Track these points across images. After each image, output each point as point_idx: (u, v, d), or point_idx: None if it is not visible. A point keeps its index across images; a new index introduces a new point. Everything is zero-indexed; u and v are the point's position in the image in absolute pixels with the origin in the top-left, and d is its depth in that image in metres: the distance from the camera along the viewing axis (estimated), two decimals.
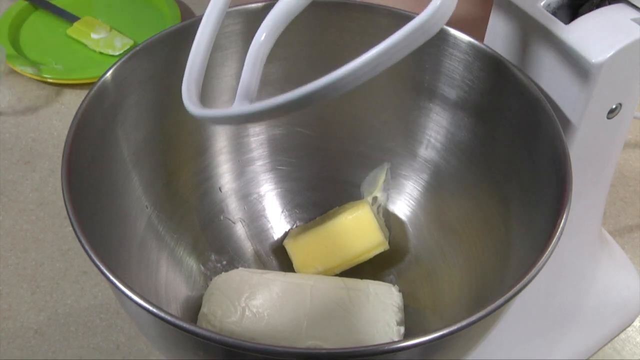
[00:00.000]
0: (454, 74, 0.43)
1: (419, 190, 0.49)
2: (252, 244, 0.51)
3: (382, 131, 0.49)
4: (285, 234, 0.51)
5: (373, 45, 0.46)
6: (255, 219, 0.51)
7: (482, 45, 0.40)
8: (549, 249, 0.31)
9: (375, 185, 0.50)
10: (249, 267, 0.49)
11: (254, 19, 0.42)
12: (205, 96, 0.45)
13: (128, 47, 0.74)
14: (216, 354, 0.29)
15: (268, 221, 0.51)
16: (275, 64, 0.45)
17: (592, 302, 0.50)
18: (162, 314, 0.28)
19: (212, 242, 0.49)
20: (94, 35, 0.74)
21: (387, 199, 0.50)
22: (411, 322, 0.45)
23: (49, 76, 0.70)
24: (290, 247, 0.49)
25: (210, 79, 0.44)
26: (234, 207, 0.50)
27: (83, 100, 0.37)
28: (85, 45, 0.74)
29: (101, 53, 0.74)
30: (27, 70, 0.70)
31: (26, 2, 0.78)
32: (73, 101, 0.70)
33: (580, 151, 0.38)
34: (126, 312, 0.39)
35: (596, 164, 0.42)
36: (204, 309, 0.44)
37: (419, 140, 0.47)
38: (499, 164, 0.41)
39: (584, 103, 0.36)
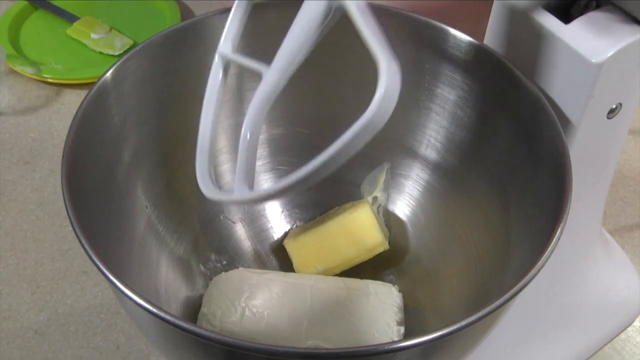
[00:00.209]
0: (454, 74, 0.43)
1: (419, 190, 0.49)
2: (252, 244, 0.51)
3: (382, 131, 0.48)
4: (285, 234, 0.51)
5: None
6: (255, 219, 0.51)
7: (482, 45, 0.40)
8: (549, 249, 0.31)
9: (375, 185, 0.50)
10: (249, 267, 0.49)
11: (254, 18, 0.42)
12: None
13: (128, 47, 0.74)
14: (216, 354, 0.29)
15: (268, 221, 0.51)
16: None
17: (592, 302, 0.50)
18: (162, 314, 0.28)
19: (212, 242, 0.49)
20: (93, 35, 0.74)
21: (387, 199, 0.50)
22: (411, 322, 0.45)
23: (49, 76, 0.70)
24: (290, 247, 0.49)
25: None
26: (234, 207, 0.50)
27: (83, 100, 0.37)
28: (85, 45, 0.74)
29: (101, 53, 0.74)
30: (27, 70, 0.70)
31: (26, 2, 0.78)
32: (73, 101, 0.70)
33: (580, 151, 0.38)
34: (126, 312, 0.39)
35: (596, 164, 0.42)
36: (204, 309, 0.44)
37: (419, 140, 0.47)
38: (499, 164, 0.41)
39: (584, 103, 0.36)
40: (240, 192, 0.33)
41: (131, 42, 0.74)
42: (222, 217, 0.49)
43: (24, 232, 0.57)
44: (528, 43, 0.39)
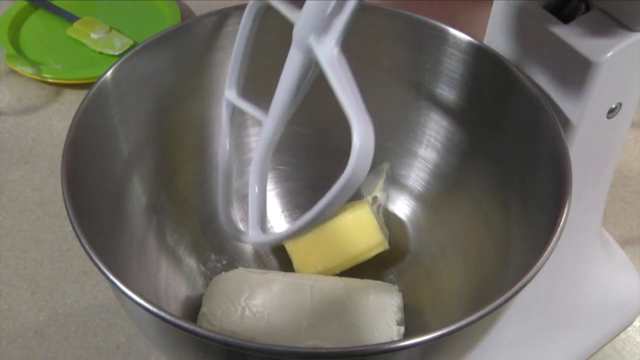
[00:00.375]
0: (454, 74, 0.43)
1: (419, 190, 0.49)
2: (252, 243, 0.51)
3: (382, 131, 0.48)
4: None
5: (372, 45, 0.46)
6: None
7: (482, 45, 0.40)
8: (549, 249, 0.31)
9: (375, 185, 0.50)
10: (249, 267, 0.49)
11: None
12: (206, 93, 0.45)
13: (128, 47, 0.74)
14: (216, 353, 0.29)
15: (268, 221, 0.51)
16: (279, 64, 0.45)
17: (592, 302, 0.50)
18: (162, 314, 0.28)
19: (212, 242, 0.49)
20: (93, 35, 0.74)
21: (387, 199, 0.50)
22: (411, 322, 0.45)
23: (49, 76, 0.70)
24: (290, 247, 0.49)
25: (210, 77, 0.44)
26: (233, 207, 0.50)
27: (83, 100, 0.37)
28: (85, 45, 0.74)
29: (101, 53, 0.74)
30: (27, 70, 0.70)
31: (26, 2, 0.78)
32: (73, 101, 0.70)
33: (580, 151, 0.38)
34: (126, 312, 0.39)
35: (596, 164, 0.42)
36: (204, 309, 0.44)
37: (419, 140, 0.47)
38: (499, 163, 0.41)
39: (584, 103, 0.36)
40: (254, 235, 0.37)
41: (131, 42, 0.74)
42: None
43: (24, 232, 0.57)
44: (528, 43, 0.39)
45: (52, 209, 0.59)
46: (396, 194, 0.50)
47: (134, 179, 0.42)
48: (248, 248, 0.50)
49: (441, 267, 0.46)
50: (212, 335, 0.27)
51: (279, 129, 0.35)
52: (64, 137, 0.35)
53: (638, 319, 0.53)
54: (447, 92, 0.44)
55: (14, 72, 0.71)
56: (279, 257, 0.50)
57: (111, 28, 0.75)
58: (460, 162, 0.45)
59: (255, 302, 0.44)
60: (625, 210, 0.60)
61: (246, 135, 0.49)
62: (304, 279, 0.46)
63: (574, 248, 0.45)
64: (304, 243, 0.49)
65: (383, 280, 0.47)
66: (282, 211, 0.52)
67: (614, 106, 0.38)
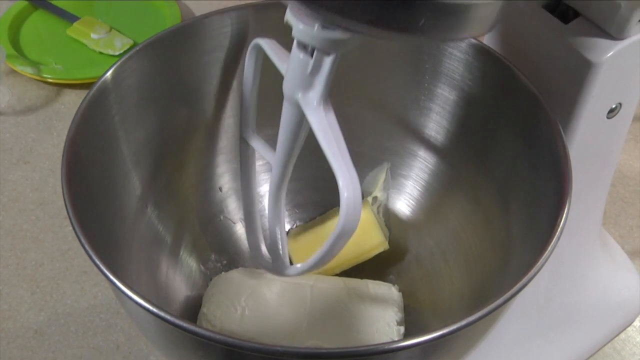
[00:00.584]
0: (454, 74, 0.43)
1: (419, 190, 0.49)
2: None
3: (382, 131, 0.49)
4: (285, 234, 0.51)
5: (372, 45, 0.46)
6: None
7: (482, 45, 0.40)
8: (549, 248, 0.31)
9: (375, 185, 0.50)
10: (249, 267, 0.49)
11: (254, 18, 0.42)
12: (206, 93, 0.45)
13: (128, 47, 0.74)
14: (216, 353, 0.29)
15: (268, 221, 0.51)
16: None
17: (592, 302, 0.50)
18: (162, 314, 0.28)
19: (212, 242, 0.49)
20: (94, 35, 0.74)
21: (387, 199, 0.50)
22: (411, 322, 0.45)
23: (49, 76, 0.70)
24: (290, 247, 0.49)
25: (210, 77, 0.44)
26: (234, 207, 0.50)
27: (83, 100, 0.37)
28: (85, 45, 0.74)
29: (101, 53, 0.74)
30: (27, 70, 0.70)
31: (26, 2, 0.78)
32: (73, 101, 0.70)
33: (580, 151, 0.38)
34: (126, 312, 0.39)
35: (596, 164, 0.42)
36: (204, 309, 0.44)
37: (419, 140, 0.47)
38: (499, 163, 0.41)
39: (584, 103, 0.36)
40: (275, 269, 0.41)
41: (131, 42, 0.74)
42: (222, 217, 0.49)
43: (24, 232, 0.57)
44: (528, 43, 0.39)
45: (52, 209, 0.59)
46: (396, 194, 0.50)
47: (134, 179, 0.42)
48: (248, 249, 0.50)
49: (441, 267, 0.46)
50: (212, 335, 0.27)
51: (286, 173, 0.37)
52: (64, 137, 0.35)
53: (638, 319, 0.53)
54: (447, 92, 0.44)
55: (14, 72, 0.71)
56: None
57: (111, 28, 0.75)
58: (460, 162, 0.45)
59: (255, 302, 0.44)
60: (625, 210, 0.60)
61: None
62: (304, 279, 0.46)
63: (574, 248, 0.45)
64: (304, 243, 0.49)
65: (383, 280, 0.47)
66: None
67: (614, 106, 0.38)
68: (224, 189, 0.49)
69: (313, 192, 0.51)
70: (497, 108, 0.41)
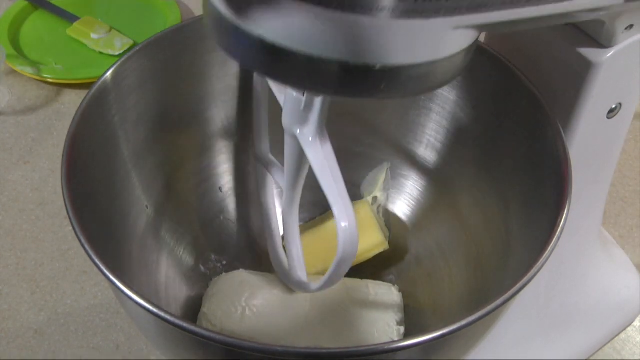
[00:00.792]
0: None
1: (419, 190, 0.49)
2: (252, 244, 0.50)
3: (382, 131, 0.49)
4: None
5: None
6: (255, 219, 0.51)
7: (482, 45, 0.40)
8: (549, 248, 0.31)
9: (375, 185, 0.50)
10: (248, 267, 0.49)
11: None
12: (206, 93, 0.45)
13: (128, 47, 0.74)
14: (216, 353, 0.29)
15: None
16: None
17: (592, 302, 0.50)
18: (162, 314, 0.28)
19: (212, 242, 0.49)
20: (94, 35, 0.74)
21: (387, 199, 0.50)
22: (411, 322, 0.45)
23: (49, 76, 0.70)
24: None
25: (210, 77, 0.44)
26: (234, 207, 0.50)
27: (83, 100, 0.37)
28: (85, 45, 0.74)
29: (101, 53, 0.74)
30: (27, 70, 0.70)
31: (26, 2, 0.78)
32: (73, 101, 0.70)
33: (580, 151, 0.38)
34: (126, 312, 0.39)
35: (596, 164, 0.42)
36: (204, 309, 0.44)
37: (419, 140, 0.47)
38: (499, 163, 0.41)
39: (584, 103, 0.36)
40: (297, 284, 0.43)
41: (131, 42, 0.74)
42: (222, 217, 0.49)
43: (24, 232, 0.57)
44: (528, 43, 0.39)
45: (52, 209, 0.59)
46: (396, 194, 0.50)
47: (134, 179, 0.42)
48: (248, 249, 0.50)
49: (441, 267, 0.46)
50: (212, 335, 0.27)
51: (294, 198, 0.39)
52: (64, 137, 0.35)
53: (638, 319, 0.53)
54: (447, 92, 0.44)
55: (14, 72, 0.71)
56: None
57: (111, 28, 0.75)
58: (460, 162, 0.45)
59: (256, 302, 0.44)
60: (625, 210, 0.60)
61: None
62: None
63: (574, 248, 0.45)
64: (305, 243, 0.48)
65: (383, 280, 0.47)
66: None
67: (614, 106, 0.38)
68: (224, 189, 0.49)
69: (313, 192, 0.51)
70: (497, 108, 0.41)
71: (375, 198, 0.50)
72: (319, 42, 0.23)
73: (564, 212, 0.32)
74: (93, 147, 0.38)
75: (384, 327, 0.43)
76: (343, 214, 0.31)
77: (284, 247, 0.45)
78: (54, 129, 0.67)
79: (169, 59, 0.42)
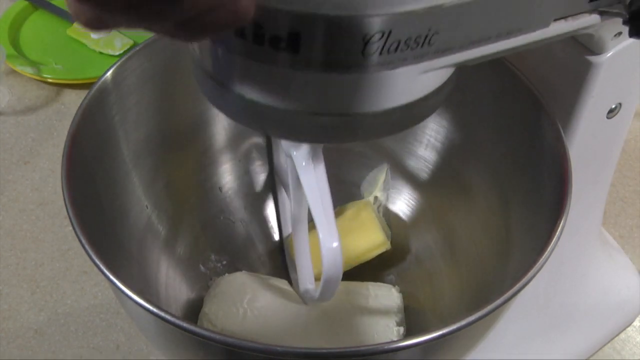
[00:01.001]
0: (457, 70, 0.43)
1: (419, 190, 0.49)
2: (252, 244, 0.50)
3: None
4: (282, 234, 0.51)
5: None
6: (255, 219, 0.51)
7: None
8: (549, 248, 0.31)
9: (375, 185, 0.50)
10: (248, 266, 0.49)
11: None
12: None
13: (128, 47, 0.74)
14: (216, 353, 0.29)
15: (268, 221, 0.51)
16: None
17: (592, 302, 0.50)
18: (162, 314, 0.28)
19: (212, 242, 0.49)
20: (93, 35, 0.74)
21: (387, 199, 0.50)
22: (411, 322, 0.45)
23: (49, 76, 0.70)
24: (292, 247, 0.49)
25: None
26: (234, 207, 0.50)
27: (83, 100, 0.37)
28: (85, 45, 0.74)
29: (101, 53, 0.74)
30: (27, 70, 0.70)
31: (26, 2, 0.78)
32: (73, 101, 0.70)
33: (580, 151, 0.38)
34: (126, 312, 0.39)
35: (596, 164, 0.42)
36: (205, 309, 0.44)
37: (419, 140, 0.47)
38: (499, 164, 0.41)
39: (584, 103, 0.36)
40: (303, 293, 0.43)
41: (131, 42, 0.74)
42: (222, 217, 0.49)
43: (24, 232, 0.57)
44: None
45: (52, 209, 0.59)
46: (396, 194, 0.50)
47: (134, 179, 0.42)
48: (248, 248, 0.50)
49: (441, 267, 0.46)
50: (212, 335, 0.27)
51: (301, 212, 0.40)
52: (64, 137, 0.35)
53: (638, 319, 0.53)
54: None
55: (14, 72, 0.71)
56: (279, 257, 0.50)
57: None
58: (460, 162, 0.45)
59: (257, 304, 0.44)
60: (625, 210, 0.60)
61: (246, 136, 0.49)
62: None
63: (574, 248, 0.45)
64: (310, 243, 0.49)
65: (383, 281, 0.47)
66: None
67: (613, 106, 0.38)
68: (224, 189, 0.49)
69: None
70: (497, 108, 0.41)
71: (375, 198, 0.50)
72: (292, 98, 0.24)
73: (564, 212, 0.32)
74: (93, 147, 0.38)
75: (384, 328, 0.43)
76: (327, 237, 0.32)
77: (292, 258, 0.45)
78: (54, 129, 0.67)
79: (169, 59, 0.42)
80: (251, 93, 0.25)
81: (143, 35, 0.72)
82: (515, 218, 0.39)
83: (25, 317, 0.51)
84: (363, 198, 0.50)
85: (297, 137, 0.27)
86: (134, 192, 0.42)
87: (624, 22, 0.27)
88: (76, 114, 0.36)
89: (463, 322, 0.28)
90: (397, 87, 0.24)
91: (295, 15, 0.22)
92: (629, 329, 0.52)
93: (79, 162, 0.35)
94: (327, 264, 0.33)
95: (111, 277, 0.29)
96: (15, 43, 0.75)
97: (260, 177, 0.50)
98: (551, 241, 0.31)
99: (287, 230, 0.49)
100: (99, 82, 0.38)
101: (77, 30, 0.75)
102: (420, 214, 0.49)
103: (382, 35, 0.22)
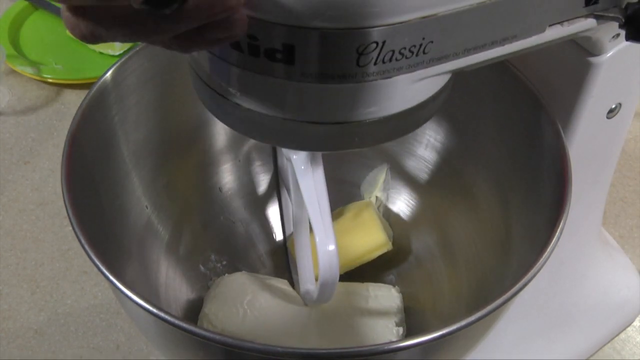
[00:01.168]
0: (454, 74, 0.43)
1: (419, 190, 0.49)
2: (252, 244, 0.50)
3: None
4: (285, 234, 0.51)
5: None
6: (255, 219, 0.51)
7: None
8: (549, 248, 0.31)
9: (375, 185, 0.50)
10: (248, 267, 0.49)
11: None
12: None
13: (128, 47, 0.74)
14: (216, 354, 0.29)
15: (268, 221, 0.51)
16: None
17: (592, 302, 0.50)
18: (162, 314, 0.28)
19: (212, 242, 0.49)
20: None
21: (387, 199, 0.50)
22: (412, 322, 0.45)
23: (49, 76, 0.70)
24: (292, 247, 0.49)
25: None
26: (234, 207, 0.50)
27: (83, 100, 0.37)
28: (85, 45, 0.74)
29: (101, 53, 0.74)
30: (27, 70, 0.70)
31: (26, 2, 0.78)
32: (73, 101, 0.70)
33: (580, 151, 0.38)
34: (126, 312, 0.39)
35: (596, 164, 0.42)
36: (205, 309, 0.44)
37: (419, 140, 0.47)
38: (499, 164, 0.41)
39: (584, 103, 0.36)
40: (304, 294, 0.43)
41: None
42: (222, 217, 0.49)
43: (24, 232, 0.57)
44: None
45: (52, 209, 0.59)
46: (396, 194, 0.50)
47: (134, 179, 0.42)
48: (248, 248, 0.50)
49: (441, 267, 0.46)
50: (212, 335, 0.27)
51: (302, 214, 0.40)
52: (64, 137, 0.35)
53: (638, 319, 0.53)
54: None
55: (14, 72, 0.71)
56: (279, 257, 0.50)
57: None
58: (460, 163, 0.45)
59: (257, 304, 0.44)
60: (625, 210, 0.60)
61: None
62: None
63: (574, 248, 0.45)
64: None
65: (383, 281, 0.47)
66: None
67: (613, 106, 0.38)
68: (224, 189, 0.49)
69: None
70: (497, 108, 0.41)
71: (375, 198, 0.50)
72: (289, 108, 0.24)
73: (564, 212, 0.32)
74: (93, 147, 0.38)
75: (384, 329, 0.43)
76: (324, 240, 0.33)
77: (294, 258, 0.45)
78: (54, 129, 0.67)
79: (169, 59, 0.42)
80: (248, 103, 0.25)
81: None
82: (515, 218, 0.39)
83: (25, 317, 0.51)
84: (363, 198, 0.50)
85: (295, 145, 0.27)
86: (134, 192, 0.42)
87: (620, 26, 0.27)
88: (76, 114, 0.36)
89: (463, 322, 0.28)
90: (393, 95, 0.25)
91: (290, 29, 0.22)
92: (629, 329, 0.52)
93: (79, 162, 0.35)
94: (323, 266, 0.33)
95: (111, 277, 0.29)
96: (15, 43, 0.75)
97: (261, 177, 0.50)
98: (551, 241, 0.31)
99: (290, 230, 0.49)
100: (99, 82, 0.38)
101: None
102: (420, 214, 0.49)
103: (377, 46, 0.22)
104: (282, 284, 0.46)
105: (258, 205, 0.51)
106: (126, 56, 0.40)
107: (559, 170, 0.34)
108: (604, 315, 0.50)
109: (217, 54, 0.24)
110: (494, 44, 0.26)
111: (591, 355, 0.51)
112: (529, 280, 0.30)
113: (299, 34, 0.22)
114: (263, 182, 0.50)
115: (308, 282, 0.42)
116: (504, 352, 0.47)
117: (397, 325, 0.44)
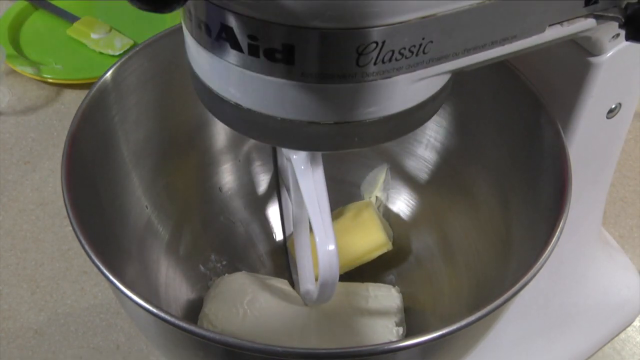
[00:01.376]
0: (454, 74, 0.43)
1: (419, 190, 0.49)
2: (252, 244, 0.50)
3: None
4: (285, 234, 0.51)
5: None
6: (255, 219, 0.51)
7: None
8: (549, 248, 0.31)
9: (375, 185, 0.50)
10: (248, 267, 0.49)
11: None
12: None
13: (128, 47, 0.74)
14: (216, 354, 0.29)
15: (268, 221, 0.51)
16: None
17: (592, 302, 0.50)
18: (162, 314, 0.28)
19: (212, 242, 0.49)
20: (94, 35, 0.74)
21: (387, 199, 0.50)
22: (412, 322, 0.45)
23: (49, 76, 0.70)
24: (292, 247, 0.49)
25: None
26: (234, 207, 0.50)
27: (83, 100, 0.37)
28: (85, 45, 0.74)
29: (101, 53, 0.74)
30: (27, 70, 0.70)
31: (26, 2, 0.78)
32: (73, 101, 0.70)
33: (580, 151, 0.38)
34: (126, 312, 0.39)
35: (596, 164, 0.42)
36: (205, 309, 0.44)
37: (419, 140, 0.47)
38: (499, 163, 0.41)
39: (584, 103, 0.36)
40: (304, 294, 0.43)
41: (131, 42, 0.74)
42: (222, 217, 0.49)
43: (24, 232, 0.57)
44: None
45: (52, 209, 0.59)
46: (396, 194, 0.50)
47: (134, 179, 0.42)
48: (248, 248, 0.50)
49: (441, 267, 0.46)
50: (212, 335, 0.27)
51: (303, 214, 0.40)
52: (64, 137, 0.35)
53: (638, 319, 0.53)
54: None
55: (14, 72, 0.71)
56: (279, 257, 0.50)
57: (111, 28, 0.75)
58: (460, 163, 0.45)
59: (257, 304, 0.44)
60: (625, 210, 0.60)
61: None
62: None
63: (574, 248, 0.45)
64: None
65: (383, 281, 0.47)
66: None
67: (613, 106, 0.38)
68: (224, 189, 0.49)
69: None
70: (497, 108, 0.41)
71: (375, 198, 0.50)
72: (289, 108, 0.24)
73: (564, 212, 0.32)
74: (93, 147, 0.38)
75: (383, 329, 0.43)
76: (324, 240, 0.33)
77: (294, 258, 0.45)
78: (54, 129, 0.67)
79: (169, 59, 0.42)
80: (248, 103, 0.25)
81: (143, 36, 0.72)
82: (515, 218, 0.39)
83: (25, 317, 0.51)
84: (363, 198, 0.50)
85: (295, 145, 0.27)
86: (134, 193, 0.42)
87: (620, 26, 0.27)
88: (76, 114, 0.36)
89: (463, 323, 0.28)
90: (393, 95, 0.25)
91: (289, 29, 0.22)
92: (629, 329, 0.52)
93: (79, 162, 0.35)
94: (323, 266, 0.33)
95: (111, 277, 0.29)
96: (15, 43, 0.75)
97: (261, 177, 0.50)
98: (551, 241, 0.31)
99: (290, 230, 0.49)
100: (99, 82, 0.38)
101: (77, 30, 0.75)
102: (420, 214, 0.49)
103: (376, 46, 0.22)
104: (282, 284, 0.46)
105: (258, 205, 0.51)
106: (126, 56, 0.40)
107: (559, 170, 0.34)
108: (604, 315, 0.50)
109: (216, 52, 0.24)
110: (494, 44, 0.26)
111: (591, 356, 0.51)
112: (529, 280, 0.30)
113: (298, 34, 0.22)
114: (263, 182, 0.50)
115: (308, 282, 0.42)
116: (504, 352, 0.47)
117: (397, 325, 0.44)
